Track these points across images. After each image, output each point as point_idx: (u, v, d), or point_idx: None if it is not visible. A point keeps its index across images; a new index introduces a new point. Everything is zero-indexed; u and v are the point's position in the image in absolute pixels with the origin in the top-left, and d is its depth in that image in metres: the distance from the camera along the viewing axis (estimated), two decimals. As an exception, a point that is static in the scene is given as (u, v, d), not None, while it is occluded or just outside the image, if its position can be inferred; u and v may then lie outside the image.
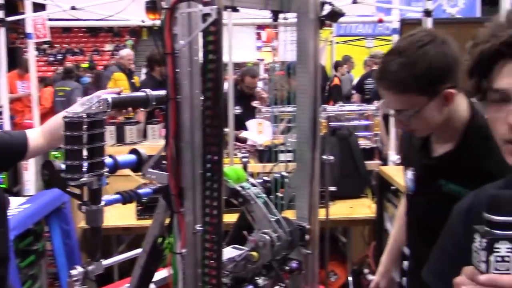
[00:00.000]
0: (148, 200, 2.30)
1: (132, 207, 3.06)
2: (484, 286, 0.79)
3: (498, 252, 0.81)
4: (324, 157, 1.68)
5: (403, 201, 1.96)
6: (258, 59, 7.28)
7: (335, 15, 1.57)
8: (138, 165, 1.41)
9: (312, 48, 1.58)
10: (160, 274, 1.57)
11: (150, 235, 1.36)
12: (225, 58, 4.66)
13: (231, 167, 1.56)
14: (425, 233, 1.65)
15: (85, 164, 1.25)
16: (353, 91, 8.48)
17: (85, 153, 1.25)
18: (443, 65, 1.44)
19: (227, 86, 4.68)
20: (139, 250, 1.48)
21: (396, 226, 2.03)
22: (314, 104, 1.62)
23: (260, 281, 1.53)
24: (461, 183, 1.47)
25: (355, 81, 8.88)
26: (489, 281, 0.79)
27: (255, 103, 4.88)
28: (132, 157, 1.42)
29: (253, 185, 1.52)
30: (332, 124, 3.47)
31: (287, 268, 1.56)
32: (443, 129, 1.54)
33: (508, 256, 0.81)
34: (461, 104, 1.53)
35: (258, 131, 3.81)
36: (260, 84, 6.78)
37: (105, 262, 1.77)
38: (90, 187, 1.28)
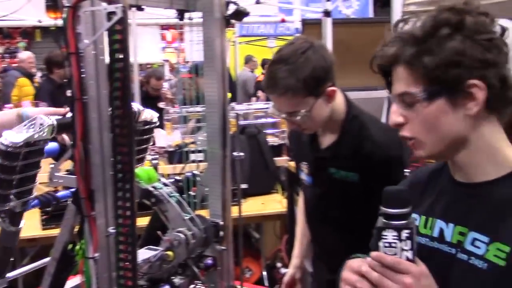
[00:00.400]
0: (54, 208, 2.19)
1: (36, 216, 2.91)
2: (374, 261, 0.92)
3: (385, 238, 0.93)
4: (235, 154, 1.70)
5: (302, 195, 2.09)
6: (163, 60, 7.20)
7: (240, 14, 1.61)
8: (60, 154, 1.36)
9: (218, 47, 1.60)
10: (72, 282, 1.52)
11: (59, 242, 1.31)
12: (130, 59, 4.57)
13: (142, 168, 1.54)
14: (325, 220, 1.82)
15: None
16: (258, 90, 8.65)
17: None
18: (323, 67, 1.60)
19: (132, 87, 4.59)
20: (47, 259, 1.41)
21: (301, 218, 2.12)
22: (223, 103, 1.65)
23: (177, 280, 1.53)
24: (348, 169, 1.68)
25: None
26: (376, 257, 0.92)
27: (161, 105, 4.83)
28: (54, 145, 1.37)
29: (165, 185, 1.51)
30: (241, 122, 3.52)
31: (202, 265, 1.57)
32: (327, 123, 1.71)
33: (394, 243, 0.92)
34: (339, 99, 1.72)
35: (167, 133, 3.77)
36: (165, 85, 6.72)
37: (9, 274, 1.68)
38: (13, 210, 1.23)
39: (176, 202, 1.47)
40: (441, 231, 1.04)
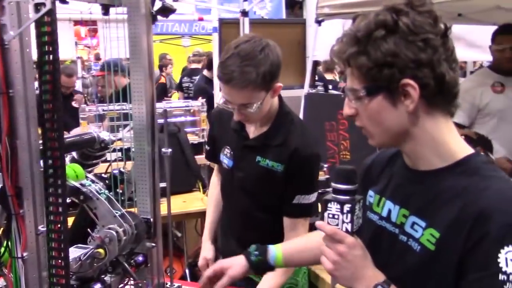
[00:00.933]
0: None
1: None
2: (319, 230, 1.05)
3: (330, 210, 1.05)
4: (163, 150, 1.70)
5: (214, 180, 2.21)
6: (76, 57, 6.93)
7: (167, 10, 1.61)
8: None
9: (145, 43, 1.60)
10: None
11: (-16, 244, 1.25)
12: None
13: (69, 165, 1.50)
14: (241, 201, 1.95)
15: None
16: (174, 90, 8.59)
17: None
18: (277, 64, 1.71)
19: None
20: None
21: (210, 202, 2.22)
22: (151, 99, 1.65)
23: (107, 278, 1.50)
24: (274, 159, 1.81)
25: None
26: (319, 226, 1.05)
27: (74, 104, 4.66)
28: None
29: (93, 181, 1.48)
30: (160, 120, 3.48)
31: (133, 262, 1.55)
32: (263, 116, 1.82)
33: (337, 215, 1.05)
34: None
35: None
36: (78, 83, 6.47)
37: None
38: None
39: (105, 199, 1.45)
40: (389, 211, 1.13)
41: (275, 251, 1.54)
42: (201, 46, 9.70)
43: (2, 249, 1.21)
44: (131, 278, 1.52)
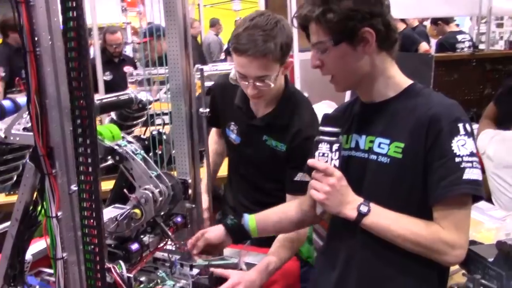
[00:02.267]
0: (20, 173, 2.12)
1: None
2: (311, 167, 1.26)
3: (320, 149, 1.26)
4: (201, 110, 1.67)
5: (214, 137, 2.18)
6: (124, 23, 6.99)
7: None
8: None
9: (180, 8, 1.58)
10: (38, 245, 1.48)
11: (20, 202, 1.25)
12: (89, 21, 4.40)
13: (105, 125, 1.49)
14: (245, 176, 1.95)
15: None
16: (223, 54, 8.53)
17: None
18: (291, 38, 1.71)
19: (93, 51, 4.45)
20: (9, 223, 1.36)
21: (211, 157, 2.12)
22: (187, 61, 1.63)
23: (146, 238, 1.50)
24: (278, 139, 1.80)
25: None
26: (311, 164, 1.26)
27: (126, 69, 4.71)
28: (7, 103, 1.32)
29: (129, 142, 1.47)
30: (207, 83, 3.45)
31: (172, 223, 1.54)
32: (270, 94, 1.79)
33: (326, 153, 1.26)
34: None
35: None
36: (128, 49, 6.54)
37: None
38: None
39: (141, 160, 1.43)
40: (357, 142, 1.36)
41: (249, 215, 1.60)
42: (251, 10, 9.56)
43: (39, 209, 1.21)
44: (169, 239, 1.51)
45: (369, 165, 1.31)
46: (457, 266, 1.41)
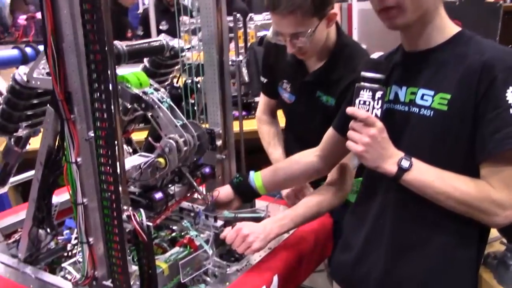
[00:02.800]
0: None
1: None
2: (351, 115, 1.17)
3: (362, 97, 1.17)
4: (233, 58, 1.61)
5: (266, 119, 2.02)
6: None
7: None
8: (22, 62, 1.31)
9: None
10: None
11: (43, 146, 1.27)
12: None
13: (133, 72, 1.46)
14: (304, 135, 1.82)
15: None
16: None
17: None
18: None
19: (148, 1, 4.43)
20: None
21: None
22: (219, 9, 1.56)
23: (172, 188, 1.49)
24: (329, 93, 1.71)
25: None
26: (351, 112, 1.17)
27: (182, 18, 4.67)
28: (15, 52, 1.31)
29: (156, 90, 1.44)
30: (260, 33, 3.35)
31: (199, 173, 1.52)
32: (320, 49, 1.68)
33: (368, 101, 1.16)
34: (332, 25, 1.69)
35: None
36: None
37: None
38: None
39: (167, 108, 1.40)
40: (396, 94, 1.25)
41: (254, 172, 1.56)
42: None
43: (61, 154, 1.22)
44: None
45: (410, 118, 1.20)
46: (496, 233, 1.31)
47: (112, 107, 1.12)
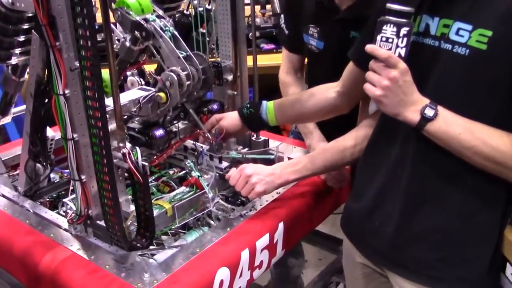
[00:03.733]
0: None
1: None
2: (371, 54, 1.00)
3: (384, 33, 0.99)
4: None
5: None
6: None
7: None
8: None
9: None
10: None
11: (32, 75, 1.18)
12: None
13: (135, -3, 1.33)
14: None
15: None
16: None
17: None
18: None
19: None
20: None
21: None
22: None
23: (179, 124, 1.39)
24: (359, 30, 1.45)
25: None
26: (371, 50, 1.00)
27: None
28: None
29: (159, 17, 1.30)
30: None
31: (206, 110, 1.41)
32: None
33: (392, 38, 0.98)
34: None
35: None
36: None
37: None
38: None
39: (170, 38, 1.28)
40: (427, 26, 1.06)
41: (267, 102, 1.43)
42: None
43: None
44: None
45: (440, 56, 1.02)
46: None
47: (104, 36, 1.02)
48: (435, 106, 0.98)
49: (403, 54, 0.99)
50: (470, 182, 1.03)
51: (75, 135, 1.13)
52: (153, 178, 1.47)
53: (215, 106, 1.43)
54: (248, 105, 1.44)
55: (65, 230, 1.27)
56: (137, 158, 1.15)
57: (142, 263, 1.14)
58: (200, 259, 1.15)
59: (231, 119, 1.43)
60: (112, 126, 1.14)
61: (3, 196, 1.42)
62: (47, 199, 1.47)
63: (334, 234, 1.76)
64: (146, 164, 1.15)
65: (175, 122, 1.39)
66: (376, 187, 1.16)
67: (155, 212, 1.25)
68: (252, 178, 1.27)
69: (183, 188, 1.37)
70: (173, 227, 1.30)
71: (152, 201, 1.33)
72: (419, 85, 1.00)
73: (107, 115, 1.11)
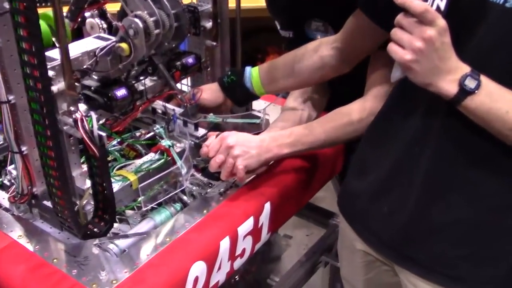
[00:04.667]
0: None
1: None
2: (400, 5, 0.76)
3: None
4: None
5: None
6: None
7: None
8: None
9: None
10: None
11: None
12: None
13: None
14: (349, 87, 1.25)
15: None
16: None
17: None
18: None
19: None
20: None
21: None
22: None
23: (147, 81, 1.15)
24: None
25: None
26: (402, 1, 0.76)
27: None
28: None
29: None
30: None
31: (179, 65, 1.17)
32: None
33: None
34: None
35: None
36: None
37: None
38: None
39: (134, -28, 1.02)
40: None
41: (251, 68, 1.22)
42: None
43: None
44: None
45: (487, 11, 0.79)
46: None
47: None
48: (478, 76, 0.77)
49: (442, 7, 0.77)
50: (507, 168, 0.83)
51: (11, 97, 0.89)
52: (116, 141, 1.24)
53: (190, 60, 1.18)
54: (229, 73, 1.21)
55: (6, 209, 1.04)
56: (92, 126, 0.92)
57: (99, 256, 0.93)
58: (171, 251, 0.94)
59: (210, 90, 1.21)
60: (60, 85, 0.90)
61: None
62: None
63: (322, 204, 1.58)
64: (104, 134, 0.92)
65: (141, 78, 1.14)
66: (387, 164, 0.96)
67: (118, 185, 1.04)
68: (234, 150, 1.05)
69: (151, 155, 1.15)
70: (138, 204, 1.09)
71: (115, 170, 1.12)
72: (458, 49, 0.78)
73: (53, 72, 0.88)
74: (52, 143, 0.86)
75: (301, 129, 1.11)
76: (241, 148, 1.05)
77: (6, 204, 1.06)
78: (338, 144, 1.18)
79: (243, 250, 1.05)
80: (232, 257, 1.02)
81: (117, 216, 1.04)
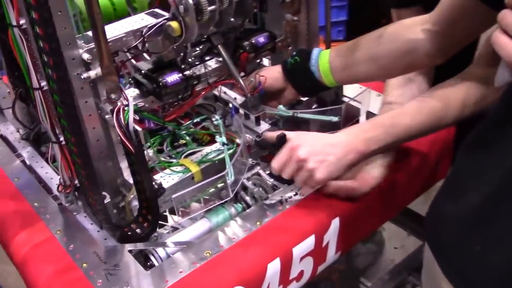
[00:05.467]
0: None
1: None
2: None
3: None
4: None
5: None
6: None
7: None
8: None
9: None
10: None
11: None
12: None
13: None
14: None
15: None
16: None
17: None
18: None
19: None
20: None
21: None
22: None
23: (211, 63, 1.00)
24: None
25: None
26: None
27: None
28: None
29: None
30: None
31: (247, 45, 0.99)
32: None
33: None
34: None
35: None
36: None
37: None
38: None
39: None
40: None
41: (321, 49, 0.99)
42: None
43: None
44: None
45: None
46: None
47: None
48: None
49: None
50: None
51: (43, 83, 0.80)
52: (191, 122, 1.12)
53: (261, 39, 1.00)
54: (295, 52, 1.00)
55: (54, 198, 0.99)
56: (128, 119, 0.80)
57: (129, 265, 0.83)
58: (207, 270, 0.81)
59: (271, 72, 1.01)
60: (97, 71, 0.79)
61: (2, 138, 1.17)
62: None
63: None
64: (139, 129, 0.80)
65: (196, 63, 0.99)
66: (486, 190, 0.71)
67: (177, 177, 0.93)
68: (308, 163, 0.86)
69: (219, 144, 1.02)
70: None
71: (182, 157, 1.01)
72: None
73: (88, 55, 0.77)
74: (73, 131, 0.76)
75: (383, 119, 0.88)
76: (315, 158, 0.86)
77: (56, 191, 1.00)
78: (448, 126, 0.93)
79: (300, 273, 0.89)
80: (285, 281, 0.86)
81: (180, 209, 0.93)
